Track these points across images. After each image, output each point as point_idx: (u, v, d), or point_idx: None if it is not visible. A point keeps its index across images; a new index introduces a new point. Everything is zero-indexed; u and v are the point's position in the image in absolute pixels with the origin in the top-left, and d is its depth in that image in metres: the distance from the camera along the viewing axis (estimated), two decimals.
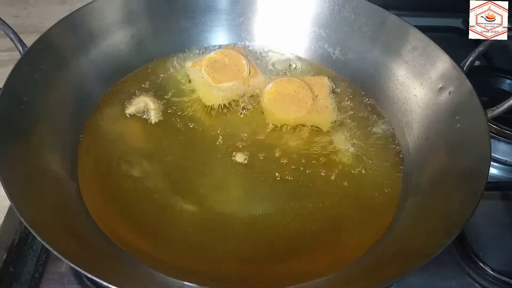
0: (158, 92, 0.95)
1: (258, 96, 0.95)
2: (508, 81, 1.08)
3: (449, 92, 0.82)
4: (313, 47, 1.03)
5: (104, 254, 0.69)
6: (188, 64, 1.00)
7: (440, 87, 0.84)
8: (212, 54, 0.99)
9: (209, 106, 0.93)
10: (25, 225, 0.59)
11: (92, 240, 0.70)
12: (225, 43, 1.05)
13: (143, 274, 0.68)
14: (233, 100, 0.94)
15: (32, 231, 0.58)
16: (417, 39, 0.88)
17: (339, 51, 1.02)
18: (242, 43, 1.05)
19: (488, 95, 1.00)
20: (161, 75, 0.98)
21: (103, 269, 0.61)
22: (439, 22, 1.23)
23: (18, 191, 0.64)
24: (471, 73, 0.82)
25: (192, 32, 1.03)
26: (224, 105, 0.93)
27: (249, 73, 0.98)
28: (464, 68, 0.82)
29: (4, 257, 0.73)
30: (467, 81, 0.79)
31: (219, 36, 1.06)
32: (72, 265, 0.57)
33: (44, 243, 0.58)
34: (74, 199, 0.76)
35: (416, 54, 0.89)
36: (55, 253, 0.57)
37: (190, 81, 0.97)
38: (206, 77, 0.96)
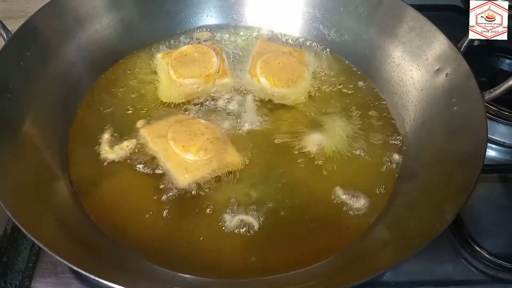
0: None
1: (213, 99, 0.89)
2: (508, 61, 1.06)
3: (446, 74, 0.81)
4: (307, 29, 1.01)
5: (96, 248, 0.68)
6: (159, 55, 0.96)
7: (437, 69, 0.83)
8: (184, 47, 0.96)
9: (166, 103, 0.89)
10: (13, 221, 0.59)
11: (83, 233, 0.70)
12: (216, 26, 1.03)
13: (134, 266, 0.68)
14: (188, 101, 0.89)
15: (22, 228, 0.58)
16: (414, 19, 0.86)
17: (335, 32, 1.00)
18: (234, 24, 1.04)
19: (488, 75, 0.98)
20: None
21: (93, 263, 0.61)
22: (437, 1, 1.20)
23: (6, 186, 0.63)
24: (470, 53, 0.80)
25: (182, 15, 1.01)
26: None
27: (218, 72, 0.93)
28: (462, 48, 0.80)
29: None
30: (464, 62, 0.77)
31: (210, 19, 1.03)
32: (64, 260, 0.56)
33: (34, 239, 0.57)
34: (65, 193, 0.75)
35: (412, 35, 0.87)
36: (41, 245, 0.57)
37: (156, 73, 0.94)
38: (170, 71, 0.92)
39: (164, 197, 0.75)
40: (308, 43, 1.02)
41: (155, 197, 0.76)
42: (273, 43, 1.00)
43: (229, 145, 0.82)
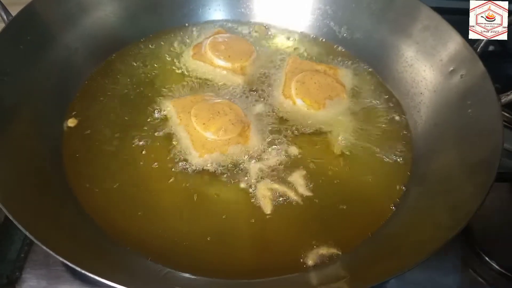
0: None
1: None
2: None
3: (461, 76, 0.78)
4: (317, 26, 0.99)
5: (92, 244, 0.66)
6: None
7: (451, 70, 0.80)
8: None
9: None
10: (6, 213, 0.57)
11: (78, 228, 0.68)
12: (224, 19, 1.01)
13: (129, 263, 0.66)
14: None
15: (16, 222, 0.57)
16: (429, 17, 0.84)
17: (346, 29, 0.97)
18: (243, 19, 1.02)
19: (502, 82, 0.94)
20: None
21: (90, 260, 0.59)
22: (453, 4, 1.17)
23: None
24: (485, 59, 0.77)
25: (190, 7, 0.99)
26: None
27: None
28: (478, 50, 0.77)
29: None
30: (480, 63, 0.74)
31: (219, 12, 1.01)
32: (59, 257, 0.55)
33: (28, 234, 0.56)
34: (59, 186, 0.72)
35: (427, 34, 0.85)
36: (32, 238, 0.56)
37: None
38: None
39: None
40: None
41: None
42: (305, 60, 0.93)
43: (250, 129, 0.80)
